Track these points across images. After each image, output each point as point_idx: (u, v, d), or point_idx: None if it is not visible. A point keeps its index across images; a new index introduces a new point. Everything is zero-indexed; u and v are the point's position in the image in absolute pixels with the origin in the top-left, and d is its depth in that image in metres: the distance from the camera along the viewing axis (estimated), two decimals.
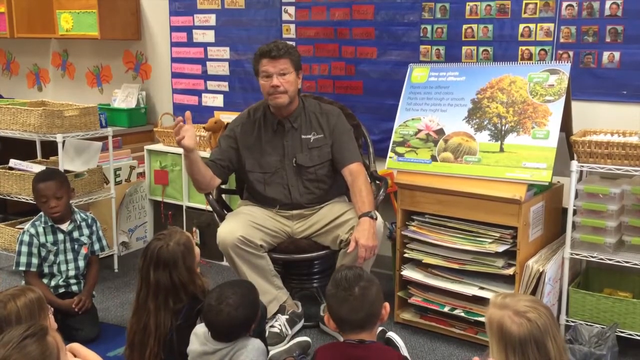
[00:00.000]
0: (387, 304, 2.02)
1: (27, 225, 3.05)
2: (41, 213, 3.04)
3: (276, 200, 2.99)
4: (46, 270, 2.99)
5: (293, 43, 3.87)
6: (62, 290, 3.00)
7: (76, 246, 3.04)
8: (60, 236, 3.00)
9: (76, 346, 1.87)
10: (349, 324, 1.97)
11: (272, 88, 2.87)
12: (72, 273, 3.02)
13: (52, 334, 1.60)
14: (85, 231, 3.09)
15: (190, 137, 2.74)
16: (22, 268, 2.96)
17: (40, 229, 2.98)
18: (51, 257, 2.98)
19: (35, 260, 2.95)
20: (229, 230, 2.82)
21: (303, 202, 2.99)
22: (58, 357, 1.58)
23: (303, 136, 2.99)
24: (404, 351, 2.60)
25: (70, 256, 3.02)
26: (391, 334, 2.68)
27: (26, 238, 2.96)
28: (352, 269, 2.05)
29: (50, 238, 2.99)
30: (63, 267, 3.00)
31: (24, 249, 2.95)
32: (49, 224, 2.99)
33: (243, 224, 2.85)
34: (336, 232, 2.88)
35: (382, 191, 3.06)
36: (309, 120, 3.00)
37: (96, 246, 3.14)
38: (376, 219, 2.76)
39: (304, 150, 2.98)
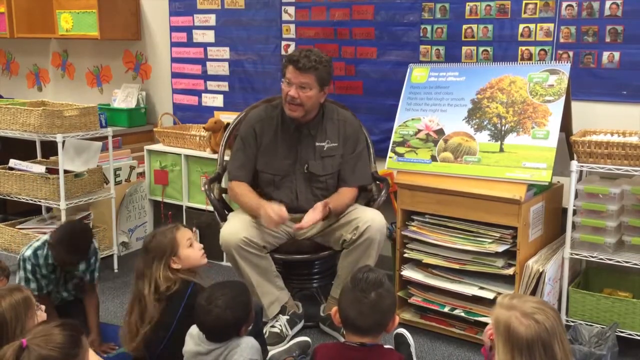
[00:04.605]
0: (396, 317, 1.99)
1: (29, 252, 2.81)
2: (45, 240, 2.83)
3: (282, 203, 2.97)
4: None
5: (293, 43, 3.88)
6: (56, 302, 2.89)
7: (71, 277, 2.90)
8: (58, 272, 2.85)
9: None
10: (353, 326, 1.94)
11: (288, 96, 2.84)
12: (64, 295, 2.91)
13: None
14: (82, 266, 2.89)
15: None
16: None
17: (42, 261, 2.80)
18: (45, 283, 2.84)
19: (34, 285, 2.80)
20: (232, 231, 2.80)
21: (308, 208, 2.96)
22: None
23: (317, 143, 2.95)
24: (413, 349, 2.60)
25: (62, 283, 2.89)
26: (403, 330, 2.67)
27: (29, 267, 2.80)
28: (375, 272, 2.00)
29: (49, 269, 2.82)
30: (54, 291, 2.88)
31: (30, 276, 2.80)
32: (50, 261, 2.81)
33: (246, 225, 2.83)
34: (339, 232, 2.88)
35: (384, 192, 3.05)
36: (325, 128, 2.97)
37: (87, 277, 2.91)
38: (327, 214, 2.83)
39: (317, 158, 2.95)
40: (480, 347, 2.02)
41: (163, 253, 2.42)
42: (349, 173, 2.96)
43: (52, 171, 3.50)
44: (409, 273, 3.00)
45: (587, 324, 2.72)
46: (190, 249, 2.48)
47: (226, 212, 3.09)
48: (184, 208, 4.02)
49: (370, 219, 2.81)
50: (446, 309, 2.90)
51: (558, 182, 3.04)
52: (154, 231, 2.56)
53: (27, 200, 3.53)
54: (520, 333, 1.58)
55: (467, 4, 3.30)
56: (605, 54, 3.02)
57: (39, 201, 3.55)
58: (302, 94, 2.82)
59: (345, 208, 2.90)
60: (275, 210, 2.72)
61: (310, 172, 2.94)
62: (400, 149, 3.03)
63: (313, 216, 2.76)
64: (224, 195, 3.38)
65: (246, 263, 2.80)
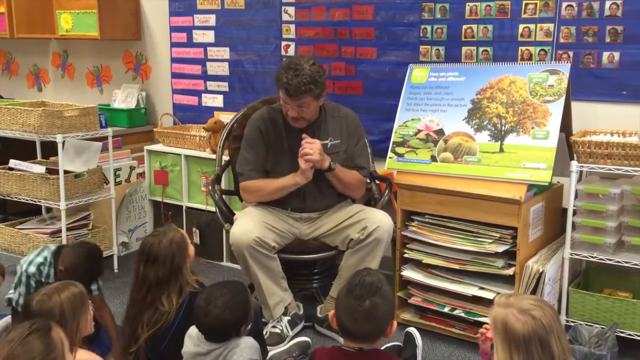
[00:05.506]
0: (394, 322, 1.97)
1: (32, 269, 2.62)
2: (46, 257, 2.67)
3: (289, 203, 2.97)
4: None
5: (293, 43, 3.88)
6: None
7: None
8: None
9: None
10: (348, 332, 1.93)
11: (288, 115, 2.86)
12: None
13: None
14: None
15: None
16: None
17: (43, 279, 2.63)
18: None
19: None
20: (245, 230, 2.79)
21: (315, 207, 2.98)
22: (63, 354, 1.61)
23: (321, 142, 2.93)
24: (419, 350, 2.61)
25: None
26: (413, 330, 2.67)
27: (33, 284, 2.64)
28: (373, 275, 1.97)
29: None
30: None
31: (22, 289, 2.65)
32: (50, 281, 2.61)
33: (257, 225, 2.82)
34: (346, 232, 2.88)
35: (387, 192, 3.06)
36: (327, 126, 2.97)
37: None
38: (332, 168, 2.86)
39: None
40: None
41: (184, 255, 2.37)
42: (351, 167, 2.97)
43: (52, 171, 3.50)
44: (409, 273, 3.00)
45: (587, 324, 2.72)
46: (190, 245, 2.48)
47: (230, 213, 3.08)
48: (183, 208, 4.02)
49: (379, 220, 2.83)
50: (446, 309, 2.90)
51: (558, 182, 3.04)
52: (160, 238, 2.35)
53: (27, 200, 3.53)
54: (517, 329, 1.57)
55: (467, 4, 3.30)
56: (605, 54, 3.02)
57: (39, 201, 3.55)
58: (301, 112, 2.84)
59: (347, 181, 2.93)
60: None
61: (316, 171, 2.94)
62: (400, 149, 3.03)
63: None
64: (224, 196, 3.38)
65: (256, 263, 2.79)
